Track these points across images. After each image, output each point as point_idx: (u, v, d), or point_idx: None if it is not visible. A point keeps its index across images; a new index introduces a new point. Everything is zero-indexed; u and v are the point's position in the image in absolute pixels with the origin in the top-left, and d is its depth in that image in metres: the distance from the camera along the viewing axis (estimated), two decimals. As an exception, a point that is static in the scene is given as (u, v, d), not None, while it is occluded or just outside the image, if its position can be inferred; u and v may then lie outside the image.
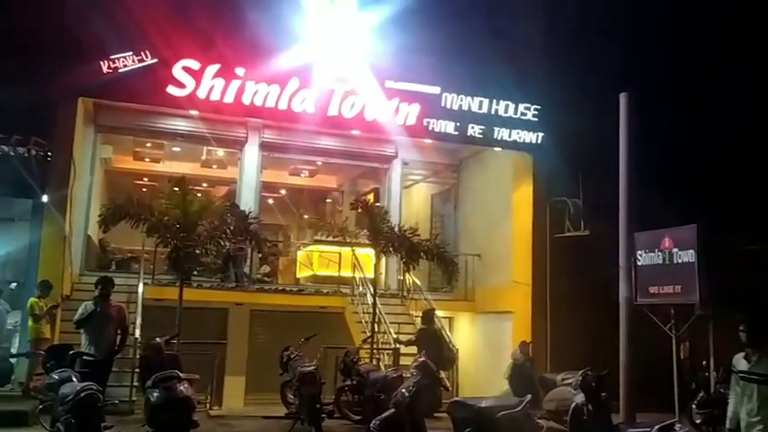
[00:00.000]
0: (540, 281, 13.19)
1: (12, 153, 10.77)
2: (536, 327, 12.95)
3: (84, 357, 7.91)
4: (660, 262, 9.74)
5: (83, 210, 12.70)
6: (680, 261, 9.45)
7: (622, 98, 10.51)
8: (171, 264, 13.42)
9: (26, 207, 11.18)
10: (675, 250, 9.50)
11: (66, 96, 11.26)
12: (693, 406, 7.51)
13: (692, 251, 9.27)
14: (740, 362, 5.71)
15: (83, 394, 6.43)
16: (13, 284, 11.58)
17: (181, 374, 7.87)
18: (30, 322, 10.11)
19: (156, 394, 7.58)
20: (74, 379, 7.05)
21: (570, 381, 8.95)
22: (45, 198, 10.99)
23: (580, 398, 7.04)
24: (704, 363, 9.84)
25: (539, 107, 13.46)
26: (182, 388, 7.60)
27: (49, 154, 11.09)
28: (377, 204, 13.73)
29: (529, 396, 7.48)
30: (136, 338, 9.81)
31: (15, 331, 10.68)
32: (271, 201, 18.34)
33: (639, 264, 10.01)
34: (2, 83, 9.81)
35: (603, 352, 10.20)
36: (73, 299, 11.61)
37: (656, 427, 6.57)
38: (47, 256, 10.97)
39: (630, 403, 9.68)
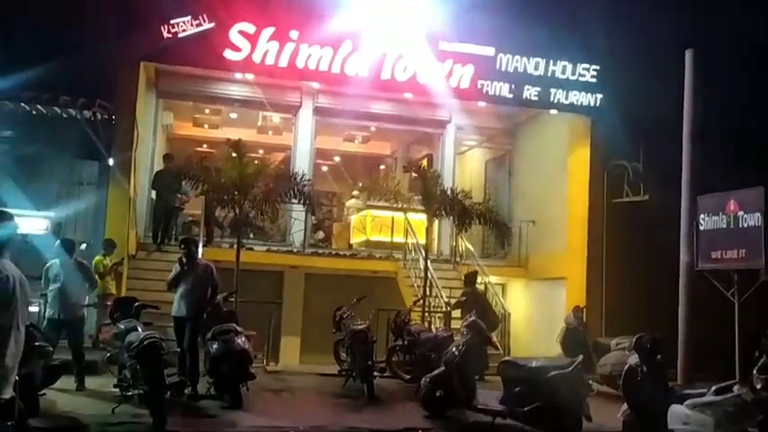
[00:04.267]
0: (596, 246, 12.92)
1: (78, 116, 11.14)
2: (591, 292, 12.71)
3: (149, 310, 8.20)
4: (724, 226, 9.39)
5: (146, 173, 13.14)
6: (745, 225, 9.09)
7: (688, 55, 10.08)
8: (228, 225, 13.89)
9: (93, 170, 11.59)
10: (741, 213, 9.15)
11: (129, 60, 11.55)
12: (754, 371, 7.32)
13: (758, 214, 8.90)
14: None
15: (146, 342, 6.76)
16: (83, 245, 12.08)
17: (239, 329, 8.19)
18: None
19: (215, 346, 7.94)
20: (138, 329, 7.40)
21: (625, 345, 8.82)
22: (111, 161, 11.38)
23: (634, 359, 6.95)
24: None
25: (598, 67, 13.00)
26: (239, 341, 7.92)
27: (114, 117, 11.43)
28: (430, 170, 13.66)
29: (580, 356, 7.43)
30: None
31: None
32: (325, 168, 18.54)
33: (702, 228, 9.68)
34: (67, 48, 10.17)
35: (661, 318, 10.00)
36: (138, 258, 12.16)
37: (714, 387, 6.45)
38: (113, 217, 11.34)
39: (689, 370, 9.48)
